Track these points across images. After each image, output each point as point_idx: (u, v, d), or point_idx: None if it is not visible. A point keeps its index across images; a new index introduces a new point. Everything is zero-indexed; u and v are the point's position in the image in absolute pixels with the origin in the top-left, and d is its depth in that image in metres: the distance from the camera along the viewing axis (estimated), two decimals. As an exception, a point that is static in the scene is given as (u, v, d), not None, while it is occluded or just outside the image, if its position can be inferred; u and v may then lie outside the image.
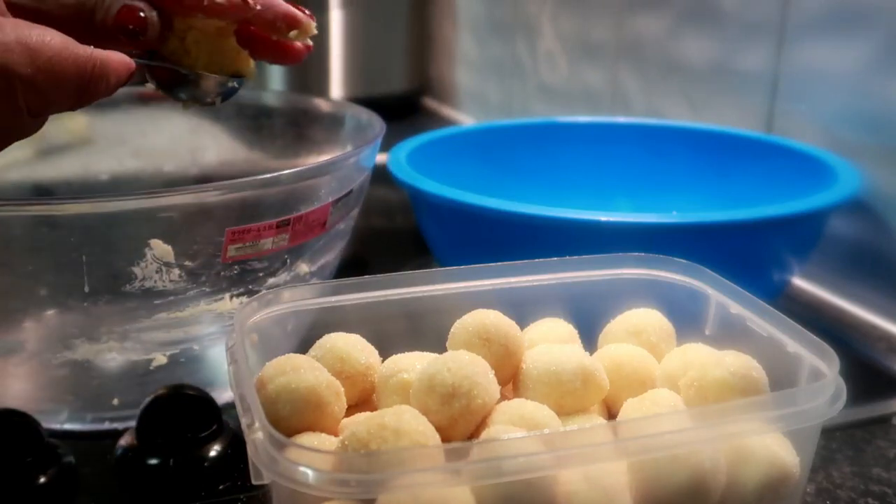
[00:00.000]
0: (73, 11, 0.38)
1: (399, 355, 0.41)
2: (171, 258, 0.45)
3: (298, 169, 0.48)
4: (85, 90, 0.36)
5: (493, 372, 0.37)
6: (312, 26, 0.44)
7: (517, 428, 0.34)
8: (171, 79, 0.43)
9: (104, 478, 0.43)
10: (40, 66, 0.33)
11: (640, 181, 0.77)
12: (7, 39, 0.33)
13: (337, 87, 1.32)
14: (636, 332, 0.42)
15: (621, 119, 0.86)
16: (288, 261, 0.50)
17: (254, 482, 0.32)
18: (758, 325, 0.40)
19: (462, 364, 0.36)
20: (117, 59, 0.37)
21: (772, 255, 0.56)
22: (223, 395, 0.49)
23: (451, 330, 0.41)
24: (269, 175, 0.46)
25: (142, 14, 0.39)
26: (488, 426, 0.35)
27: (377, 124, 0.58)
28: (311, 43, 0.45)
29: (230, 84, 0.44)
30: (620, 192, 0.77)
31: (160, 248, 0.44)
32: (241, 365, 0.35)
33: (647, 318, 0.43)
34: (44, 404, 0.48)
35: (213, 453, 0.43)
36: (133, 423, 0.43)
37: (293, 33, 0.43)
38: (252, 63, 0.45)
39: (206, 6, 0.40)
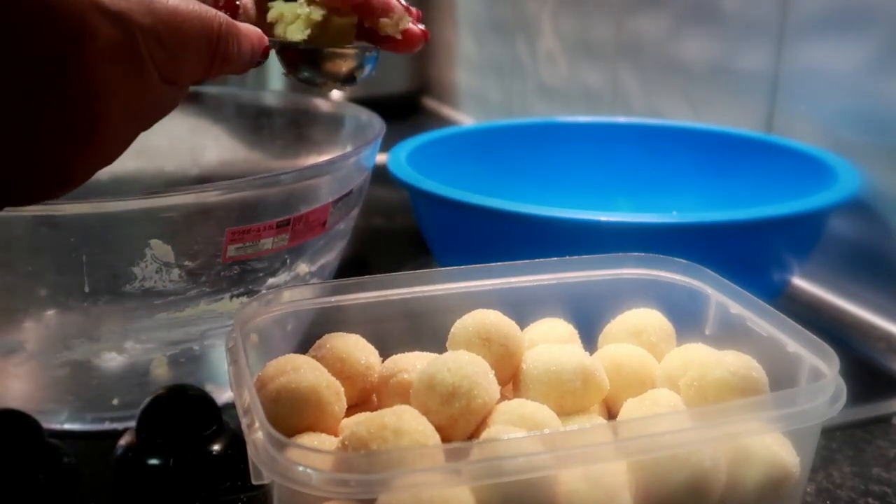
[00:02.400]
0: None
1: (399, 355, 0.41)
2: (171, 258, 0.45)
3: (298, 169, 0.48)
4: (215, 50, 0.33)
5: (493, 372, 0.37)
6: (405, 18, 0.41)
7: (517, 428, 0.34)
8: (302, 59, 0.40)
9: (104, 478, 0.43)
10: (161, 17, 0.31)
11: (640, 181, 0.77)
12: None
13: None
14: (636, 332, 0.42)
15: (621, 119, 0.86)
16: (288, 261, 0.50)
17: (254, 482, 0.32)
18: (758, 325, 0.40)
19: (462, 364, 0.36)
20: (248, 27, 0.35)
21: (772, 255, 0.56)
22: (223, 395, 0.49)
23: (451, 330, 0.41)
24: (269, 175, 0.46)
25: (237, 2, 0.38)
26: (488, 426, 0.35)
27: (377, 124, 0.58)
28: (427, 31, 0.43)
29: (368, 54, 0.41)
30: (620, 192, 0.77)
31: (160, 249, 0.44)
32: (241, 365, 0.35)
33: (647, 318, 0.43)
34: (44, 404, 0.48)
35: (213, 453, 0.43)
36: (133, 423, 0.43)
37: (384, 21, 0.41)
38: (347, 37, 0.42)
39: None
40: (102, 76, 0.29)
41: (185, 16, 0.32)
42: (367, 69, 0.42)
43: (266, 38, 0.37)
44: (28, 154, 0.29)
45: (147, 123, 0.33)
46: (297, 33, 0.39)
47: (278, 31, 0.40)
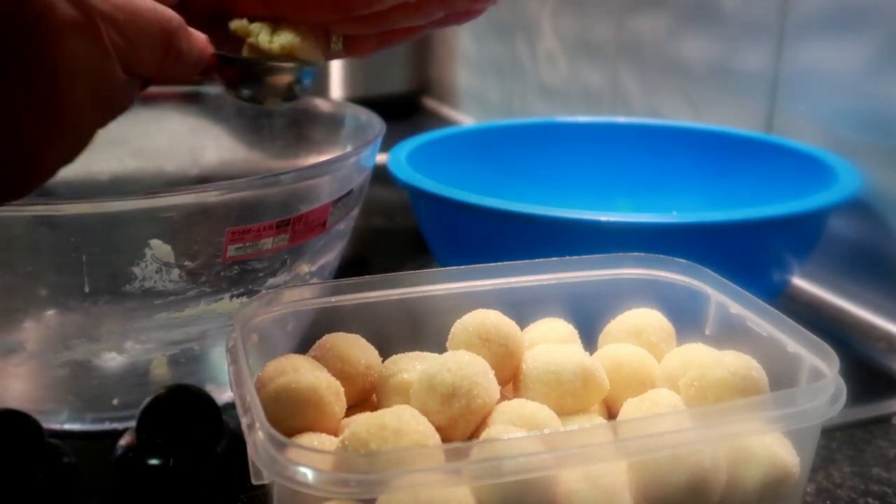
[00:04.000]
0: None
1: (399, 355, 0.41)
2: (171, 258, 0.45)
3: (298, 169, 0.48)
4: (168, 44, 0.34)
5: (493, 372, 0.37)
6: None
7: (517, 428, 0.34)
8: (244, 75, 0.40)
9: (104, 478, 0.43)
10: (118, 4, 0.31)
11: (640, 181, 0.77)
12: None
13: (337, 87, 1.32)
14: (636, 332, 0.42)
15: (621, 119, 0.86)
16: (288, 261, 0.50)
17: (254, 482, 0.32)
18: (758, 325, 0.40)
19: (462, 364, 0.36)
20: (195, 31, 0.36)
21: (772, 255, 0.56)
22: (223, 395, 0.49)
23: (451, 330, 0.41)
24: (269, 175, 0.46)
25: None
26: (488, 426, 0.35)
27: (377, 124, 0.58)
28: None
29: (306, 68, 0.41)
30: (620, 192, 0.77)
31: (160, 248, 0.44)
32: (241, 365, 0.35)
33: (647, 318, 0.43)
34: (44, 404, 0.48)
35: (213, 453, 0.43)
36: (133, 423, 0.43)
37: None
38: (319, 52, 0.42)
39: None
40: (65, 56, 0.29)
41: (140, 7, 0.32)
42: (306, 83, 0.42)
43: (212, 47, 0.37)
44: None
45: (109, 114, 0.33)
46: (265, 41, 0.40)
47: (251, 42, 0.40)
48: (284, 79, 0.41)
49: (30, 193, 0.31)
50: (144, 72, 0.33)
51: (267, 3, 0.40)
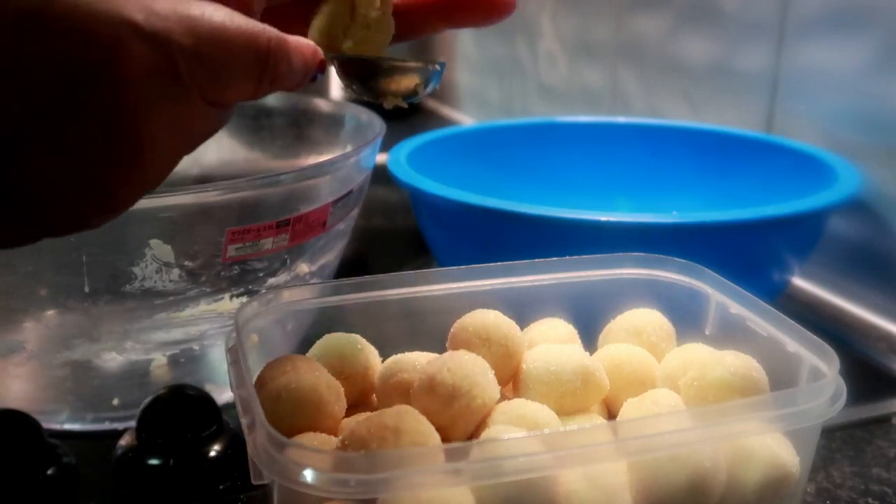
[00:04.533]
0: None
1: (399, 355, 0.41)
2: (171, 258, 0.45)
3: (298, 169, 0.48)
4: (263, 69, 0.31)
5: (493, 372, 0.37)
6: None
7: (517, 428, 0.34)
8: (363, 72, 0.37)
9: (104, 478, 0.43)
10: (203, 37, 0.29)
11: (640, 181, 0.77)
12: (163, 10, 0.28)
13: (337, 87, 1.32)
14: (636, 332, 0.42)
15: (621, 119, 0.86)
16: (288, 261, 0.50)
17: (254, 482, 0.32)
18: (758, 325, 0.40)
19: (462, 364, 0.36)
20: (299, 40, 0.33)
21: (772, 255, 0.56)
22: (223, 395, 0.49)
23: (451, 330, 0.41)
24: (269, 175, 0.46)
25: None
26: (488, 426, 0.35)
27: (377, 124, 0.58)
28: None
29: (432, 69, 0.38)
30: (620, 192, 0.77)
31: (160, 249, 0.44)
32: (241, 365, 0.35)
33: (647, 318, 0.43)
34: (44, 404, 0.48)
35: (213, 453, 0.43)
36: (133, 423, 0.43)
37: None
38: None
39: None
40: (139, 96, 0.28)
41: (231, 34, 0.30)
42: (431, 85, 0.39)
43: (320, 52, 0.35)
44: (66, 176, 0.28)
45: (192, 145, 0.32)
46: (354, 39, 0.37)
47: (339, 43, 0.38)
48: (405, 80, 0.38)
49: (107, 223, 0.30)
50: (235, 100, 0.32)
51: None
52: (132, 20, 0.27)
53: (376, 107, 0.62)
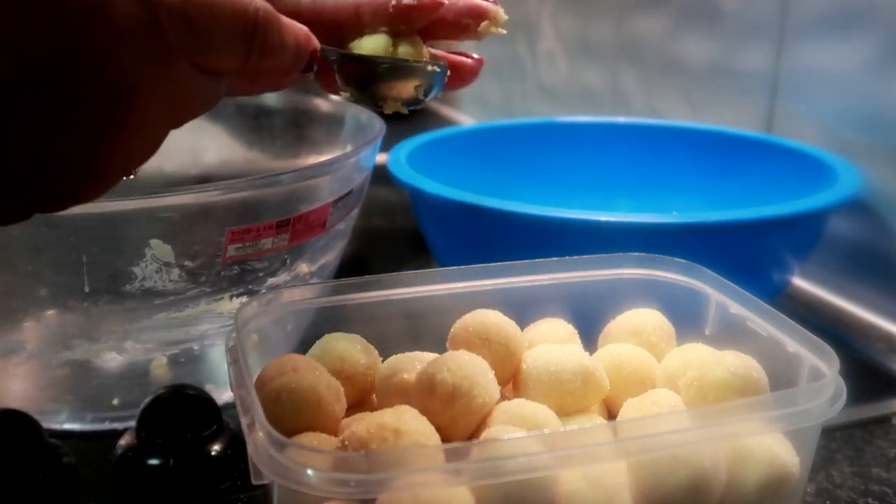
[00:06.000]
0: None
1: (399, 355, 0.41)
2: (171, 258, 0.45)
3: (298, 169, 0.48)
4: (251, 38, 0.30)
5: (493, 372, 0.37)
6: (501, 12, 0.38)
7: (517, 428, 0.34)
8: (363, 74, 0.36)
9: (104, 478, 0.43)
10: None
11: (640, 181, 0.77)
12: None
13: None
14: (636, 332, 0.42)
15: (621, 119, 0.86)
16: (288, 261, 0.50)
17: (254, 482, 0.32)
18: (758, 325, 0.40)
19: (462, 364, 0.36)
20: (293, 21, 0.33)
21: (772, 255, 0.56)
22: (223, 395, 0.49)
23: (451, 330, 0.41)
24: (269, 175, 0.46)
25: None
26: (488, 426, 0.35)
27: (377, 124, 0.58)
28: (481, 57, 0.39)
29: (436, 70, 0.37)
30: (620, 192, 0.77)
31: (160, 249, 0.44)
32: (241, 365, 0.35)
33: (647, 318, 0.43)
34: (44, 404, 0.48)
35: (213, 453, 0.43)
36: (133, 423, 0.43)
37: (483, 25, 0.37)
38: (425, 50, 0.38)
39: (393, 12, 0.36)
40: (122, 58, 0.27)
41: None
42: (434, 91, 0.37)
43: (315, 39, 0.34)
44: (51, 142, 0.27)
45: (181, 116, 0.31)
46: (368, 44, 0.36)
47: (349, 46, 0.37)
48: (414, 81, 0.36)
49: (97, 198, 0.29)
50: (224, 68, 0.31)
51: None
52: None
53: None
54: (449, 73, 0.38)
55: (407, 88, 0.37)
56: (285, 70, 0.34)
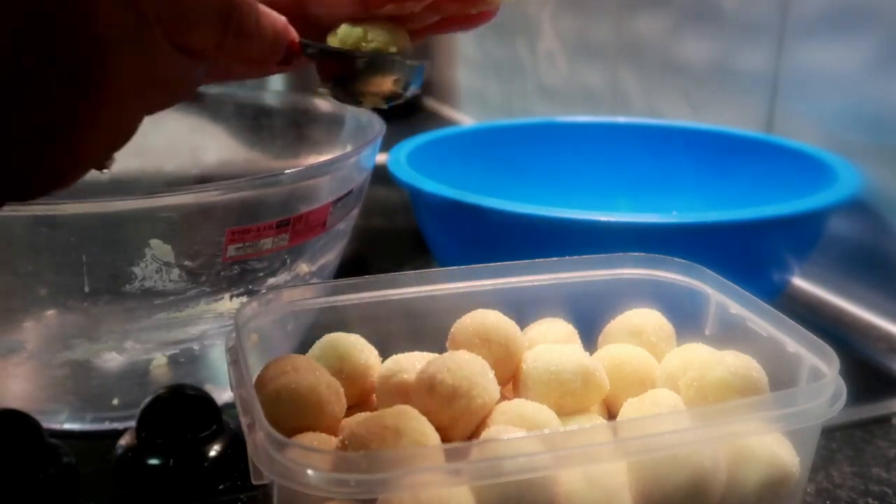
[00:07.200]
0: None
1: (399, 355, 0.41)
2: (171, 258, 0.45)
3: (298, 169, 0.48)
4: (228, 18, 0.30)
5: (493, 372, 0.37)
6: None
7: (517, 428, 0.34)
8: (344, 69, 0.35)
9: (104, 478, 0.43)
10: None
11: (640, 181, 0.77)
12: None
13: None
14: (636, 332, 0.42)
15: (621, 119, 0.86)
16: (288, 261, 0.50)
17: (254, 482, 0.32)
18: (758, 325, 0.40)
19: (462, 364, 0.36)
20: (272, 11, 0.32)
21: (772, 255, 0.56)
22: (223, 395, 0.49)
23: (451, 330, 0.41)
24: (269, 175, 0.46)
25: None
26: (488, 426, 0.35)
27: (377, 124, 0.58)
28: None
29: (415, 65, 0.36)
30: (620, 192, 0.77)
31: (160, 249, 0.44)
32: (241, 365, 0.35)
33: (647, 319, 0.43)
34: (44, 404, 0.48)
35: (213, 453, 0.43)
36: (133, 423, 0.43)
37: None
38: (408, 39, 0.37)
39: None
40: (99, 20, 0.27)
41: None
42: (413, 87, 0.37)
43: (293, 31, 0.34)
44: (27, 118, 0.26)
45: (157, 98, 0.31)
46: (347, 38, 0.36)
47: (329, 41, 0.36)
48: (392, 76, 0.36)
49: (73, 183, 0.29)
50: (199, 47, 0.30)
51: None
52: None
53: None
54: (425, 65, 0.38)
55: (386, 83, 0.36)
56: (263, 57, 0.33)
